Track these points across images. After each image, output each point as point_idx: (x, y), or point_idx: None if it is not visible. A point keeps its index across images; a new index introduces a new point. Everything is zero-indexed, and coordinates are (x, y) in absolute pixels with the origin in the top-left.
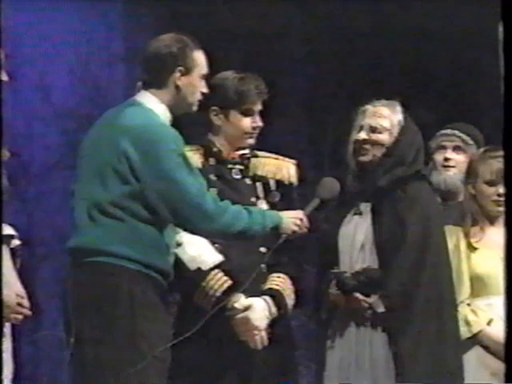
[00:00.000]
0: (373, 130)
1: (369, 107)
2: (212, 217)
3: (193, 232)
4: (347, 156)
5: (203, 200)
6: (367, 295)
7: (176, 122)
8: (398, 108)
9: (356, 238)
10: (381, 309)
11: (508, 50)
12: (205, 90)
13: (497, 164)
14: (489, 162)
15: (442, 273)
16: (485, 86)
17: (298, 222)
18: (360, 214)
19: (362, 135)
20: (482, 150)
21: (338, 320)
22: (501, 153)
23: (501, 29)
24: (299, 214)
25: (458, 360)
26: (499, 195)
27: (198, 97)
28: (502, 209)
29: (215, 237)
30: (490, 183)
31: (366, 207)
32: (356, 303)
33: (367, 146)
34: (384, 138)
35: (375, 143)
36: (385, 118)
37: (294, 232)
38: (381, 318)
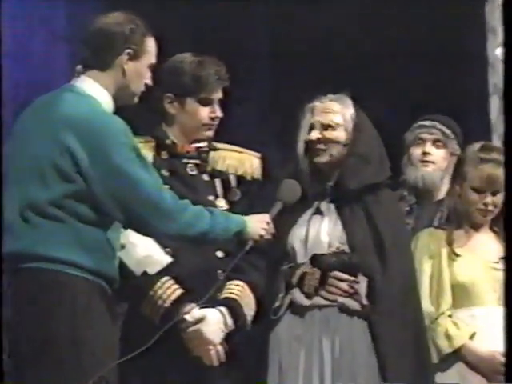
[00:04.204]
0: (325, 127)
1: (316, 104)
2: (170, 216)
3: (147, 234)
4: (298, 157)
5: (160, 198)
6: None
7: (122, 110)
8: (349, 102)
9: (321, 239)
10: (363, 298)
11: (508, 51)
12: (149, 81)
13: (488, 170)
14: (480, 168)
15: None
16: (466, 74)
17: (265, 226)
18: (321, 213)
19: (315, 134)
20: (474, 148)
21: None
22: (494, 155)
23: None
24: (265, 217)
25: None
26: (485, 204)
27: (142, 88)
28: (487, 218)
29: (173, 239)
30: (478, 190)
31: (327, 207)
32: (334, 283)
33: (322, 146)
34: (339, 134)
35: (330, 141)
36: (336, 114)
37: (260, 237)
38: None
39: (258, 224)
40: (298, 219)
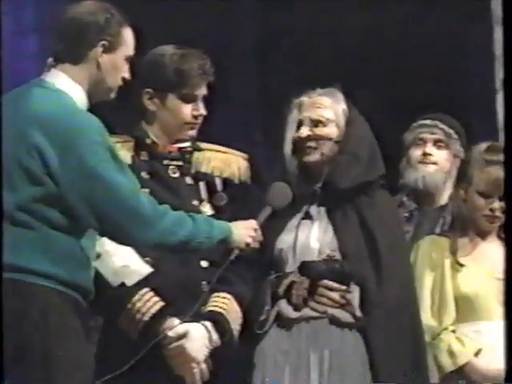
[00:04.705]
0: (315, 123)
1: (304, 99)
2: (148, 223)
3: (124, 242)
4: (285, 157)
5: (138, 202)
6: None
7: (98, 107)
8: (340, 96)
9: (311, 245)
10: (357, 309)
11: (508, 51)
12: (127, 75)
13: (495, 173)
14: (486, 170)
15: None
16: (469, 74)
17: (252, 233)
18: (311, 218)
19: (305, 131)
20: (479, 149)
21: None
22: (500, 156)
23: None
24: (252, 224)
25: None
26: (492, 210)
27: (119, 82)
28: (494, 225)
29: (151, 248)
30: (484, 195)
31: (318, 211)
32: (324, 293)
33: (312, 144)
34: (330, 131)
35: (321, 138)
36: (327, 109)
37: (247, 245)
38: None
39: (244, 231)
40: (287, 224)
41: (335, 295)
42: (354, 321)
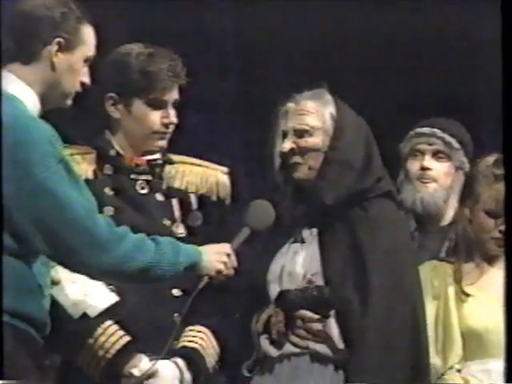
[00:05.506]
0: (299, 134)
1: (290, 105)
2: (104, 247)
3: (75, 268)
4: (274, 173)
5: (92, 223)
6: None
7: (54, 114)
8: (327, 97)
9: (296, 271)
10: (338, 341)
11: (507, 52)
12: (86, 79)
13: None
14: (495, 187)
15: (413, 325)
16: (479, 75)
17: (224, 258)
18: (302, 241)
19: (287, 145)
20: (487, 162)
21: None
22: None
23: None
24: (225, 248)
25: None
26: (502, 232)
27: (76, 87)
28: (502, 249)
29: (106, 276)
30: (493, 215)
31: (310, 233)
32: (302, 325)
33: (298, 159)
34: (316, 140)
35: (307, 151)
36: (311, 115)
37: (218, 272)
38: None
39: (215, 256)
40: (279, 250)
41: (315, 326)
42: (334, 355)
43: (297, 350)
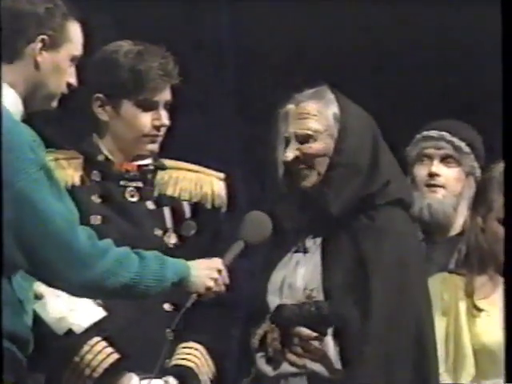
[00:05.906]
0: (302, 139)
1: (291, 107)
2: (84, 262)
3: (54, 284)
4: (278, 181)
5: (73, 236)
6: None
7: (38, 117)
8: (329, 96)
9: (297, 285)
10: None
11: (507, 52)
12: (73, 80)
13: None
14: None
15: (423, 342)
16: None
17: (215, 275)
18: (305, 251)
19: (290, 153)
20: (501, 167)
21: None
22: None
23: None
24: (217, 263)
25: None
26: None
27: (62, 88)
28: None
29: (87, 293)
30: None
31: (313, 243)
32: (299, 343)
33: (304, 167)
34: (322, 145)
35: (313, 157)
36: (313, 117)
37: (208, 289)
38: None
39: (205, 272)
40: (280, 260)
41: (312, 345)
42: (331, 375)
43: (294, 370)
